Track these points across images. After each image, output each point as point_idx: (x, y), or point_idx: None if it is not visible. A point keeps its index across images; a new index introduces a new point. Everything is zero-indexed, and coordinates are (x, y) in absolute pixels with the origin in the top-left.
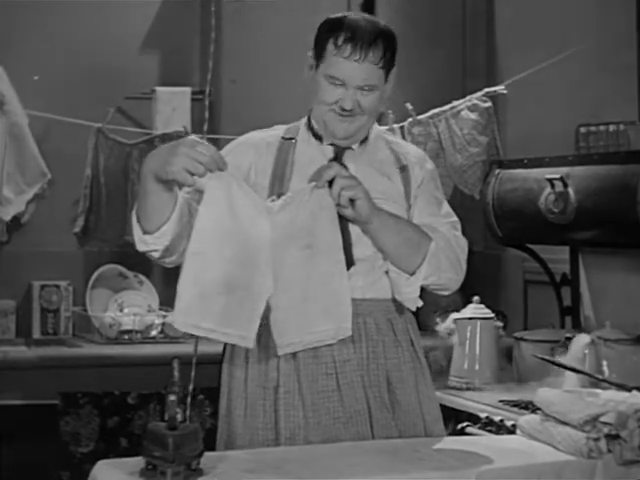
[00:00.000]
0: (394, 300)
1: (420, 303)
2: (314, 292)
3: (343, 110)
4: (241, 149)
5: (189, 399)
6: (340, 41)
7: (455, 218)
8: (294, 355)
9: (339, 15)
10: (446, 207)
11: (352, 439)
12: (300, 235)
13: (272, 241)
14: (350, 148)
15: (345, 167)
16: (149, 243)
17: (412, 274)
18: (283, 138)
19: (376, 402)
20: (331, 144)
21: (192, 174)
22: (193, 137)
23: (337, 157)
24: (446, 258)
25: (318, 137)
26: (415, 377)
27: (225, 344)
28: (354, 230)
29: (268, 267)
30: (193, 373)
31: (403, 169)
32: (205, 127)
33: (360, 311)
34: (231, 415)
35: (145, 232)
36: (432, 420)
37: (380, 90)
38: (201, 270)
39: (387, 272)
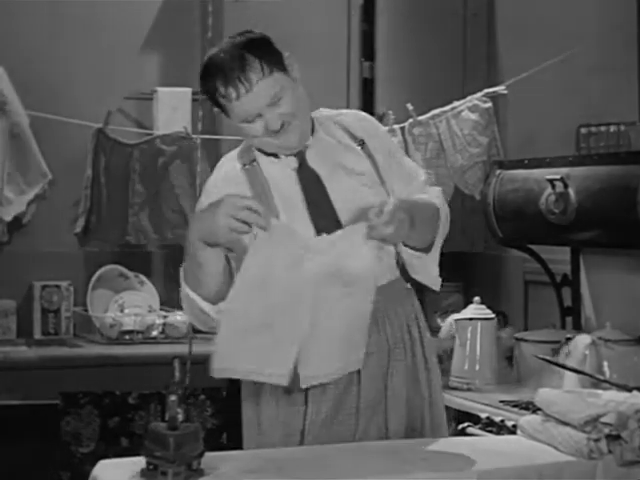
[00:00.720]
0: (403, 290)
1: (439, 281)
2: (343, 328)
3: (275, 132)
4: (222, 186)
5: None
6: (222, 91)
7: (422, 171)
8: None
9: (202, 64)
10: (409, 163)
11: (366, 429)
12: (340, 274)
13: (313, 277)
14: (306, 147)
15: (312, 171)
16: (212, 317)
17: (428, 251)
18: (243, 165)
19: (394, 394)
20: (288, 155)
21: (239, 232)
22: (231, 194)
23: (302, 163)
24: (445, 222)
25: (273, 154)
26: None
27: None
28: (346, 216)
29: (307, 308)
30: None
31: (362, 144)
32: (214, 126)
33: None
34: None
35: (204, 299)
36: (437, 424)
37: (289, 88)
38: (241, 315)
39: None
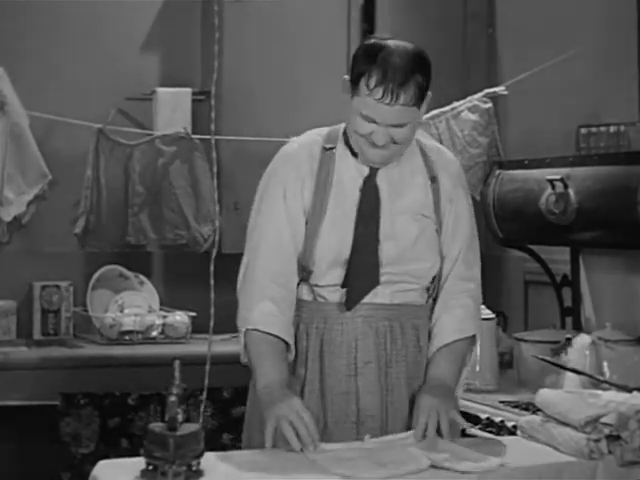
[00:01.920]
0: (422, 306)
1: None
2: None
3: (375, 145)
4: (291, 167)
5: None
6: (372, 83)
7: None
8: (320, 355)
9: (376, 43)
10: (473, 233)
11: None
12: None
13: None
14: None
15: (376, 188)
16: None
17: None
18: (324, 148)
19: (393, 407)
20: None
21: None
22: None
23: (371, 176)
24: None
25: (354, 153)
26: None
27: None
28: (388, 247)
29: None
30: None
31: (434, 180)
32: (212, 127)
33: (387, 315)
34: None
35: None
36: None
37: (413, 122)
38: None
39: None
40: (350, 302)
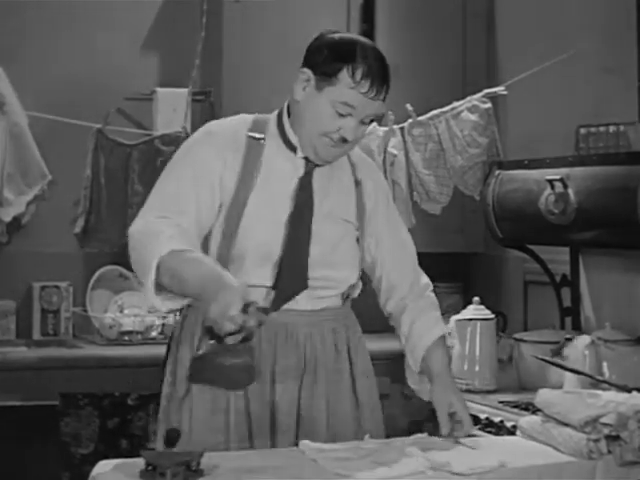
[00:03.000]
0: (340, 308)
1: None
2: None
3: (343, 140)
4: (213, 144)
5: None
6: (358, 75)
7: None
8: None
9: (346, 38)
10: (405, 231)
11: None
12: None
13: None
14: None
15: (311, 187)
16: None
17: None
18: (251, 137)
19: (309, 416)
20: (305, 157)
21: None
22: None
23: (307, 174)
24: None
25: (291, 147)
26: (352, 385)
27: None
28: (314, 251)
29: None
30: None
31: (357, 184)
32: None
33: (307, 322)
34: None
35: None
36: (375, 430)
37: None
38: None
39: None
40: (276, 304)
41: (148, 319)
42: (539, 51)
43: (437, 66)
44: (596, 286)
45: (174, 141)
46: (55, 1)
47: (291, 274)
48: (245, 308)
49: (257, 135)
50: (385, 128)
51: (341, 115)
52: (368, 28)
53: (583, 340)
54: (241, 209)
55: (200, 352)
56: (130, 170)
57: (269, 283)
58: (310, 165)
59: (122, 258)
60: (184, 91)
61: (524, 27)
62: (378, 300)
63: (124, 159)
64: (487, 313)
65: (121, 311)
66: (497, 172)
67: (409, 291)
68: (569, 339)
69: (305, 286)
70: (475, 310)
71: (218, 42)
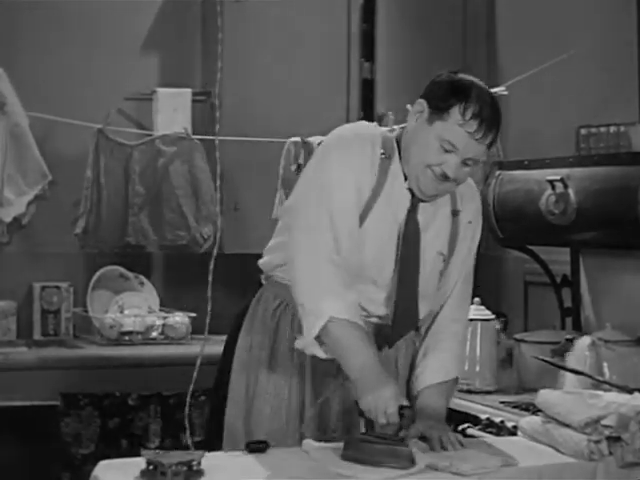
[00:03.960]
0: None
1: None
2: None
3: (444, 177)
4: (364, 155)
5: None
6: (468, 114)
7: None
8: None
9: (465, 79)
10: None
11: None
12: None
13: None
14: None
15: (417, 224)
16: None
17: None
18: (383, 155)
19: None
20: (409, 189)
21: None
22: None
23: (413, 208)
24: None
25: (404, 175)
26: None
27: None
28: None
29: None
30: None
31: (455, 213)
32: (217, 128)
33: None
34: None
35: None
36: None
37: (481, 163)
38: None
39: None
40: (394, 338)
41: (148, 319)
42: (539, 51)
43: (437, 66)
44: (596, 286)
45: (175, 141)
46: (56, 2)
47: (405, 310)
48: (400, 410)
49: (387, 155)
50: (385, 128)
51: (445, 151)
52: (368, 28)
53: (583, 341)
54: (361, 220)
55: (361, 431)
56: (131, 170)
57: (381, 312)
58: (415, 199)
59: (122, 258)
60: (184, 91)
61: (524, 27)
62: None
63: (125, 159)
64: (487, 314)
65: (121, 311)
66: (497, 172)
67: (438, 325)
68: (570, 340)
69: (417, 319)
70: (475, 310)
71: (218, 42)
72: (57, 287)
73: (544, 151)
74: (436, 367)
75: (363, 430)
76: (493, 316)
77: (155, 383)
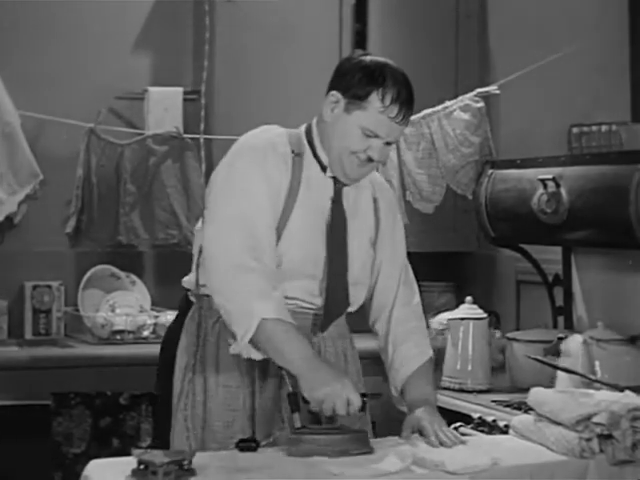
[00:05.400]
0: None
1: None
2: None
3: (369, 160)
4: (274, 160)
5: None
6: (388, 100)
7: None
8: None
9: (376, 62)
10: (403, 252)
11: None
12: None
13: None
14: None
15: (343, 208)
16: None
17: None
18: (293, 152)
19: None
20: (332, 177)
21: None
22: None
23: (337, 194)
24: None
25: (322, 166)
26: None
27: None
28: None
29: None
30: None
31: (375, 200)
32: (202, 127)
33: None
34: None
35: None
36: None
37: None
38: None
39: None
40: (324, 325)
41: (140, 318)
42: (532, 50)
43: (429, 65)
44: (588, 285)
45: (166, 140)
46: (47, 1)
47: (337, 295)
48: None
49: (296, 150)
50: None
51: (368, 136)
52: (361, 28)
53: (576, 339)
54: (283, 221)
55: (299, 425)
56: (122, 169)
57: (319, 303)
58: (338, 185)
59: (114, 257)
60: (176, 90)
61: (516, 27)
62: (367, 318)
63: (116, 158)
64: (480, 312)
65: (113, 310)
66: (490, 171)
67: (398, 314)
68: (561, 338)
69: (347, 305)
70: (468, 309)
71: (210, 41)
72: (48, 286)
73: (536, 150)
74: (412, 354)
75: (298, 424)
76: (485, 315)
77: (147, 382)
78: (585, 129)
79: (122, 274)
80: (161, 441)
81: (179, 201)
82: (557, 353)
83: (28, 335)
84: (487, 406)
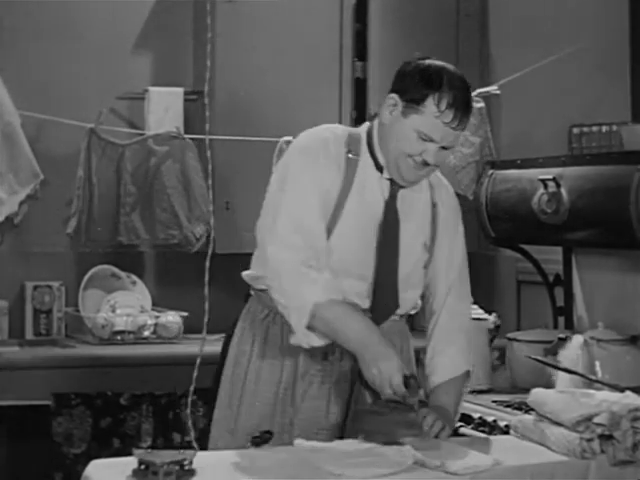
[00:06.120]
0: (399, 320)
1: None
2: None
3: (425, 164)
4: (326, 160)
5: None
6: (443, 105)
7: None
8: None
9: (434, 66)
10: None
11: None
12: None
13: None
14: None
15: (396, 211)
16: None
17: None
18: (348, 154)
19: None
20: (389, 179)
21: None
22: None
23: (392, 197)
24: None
25: (379, 167)
26: None
27: None
28: (401, 273)
29: None
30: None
31: (434, 205)
32: (207, 127)
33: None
34: None
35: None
36: None
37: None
38: None
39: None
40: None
41: (140, 319)
42: (532, 51)
43: None
44: (589, 286)
45: (167, 141)
46: (48, 1)
47: (385, 297)
48: (405, 380)
49: (352, 154)
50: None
51: (424, 140)
52: (361, 28)
53: (576, 340)
54: (334, 219)
55: (362, 406)
56: (122, 170)
57: (366, 305)
58: (395, 187)
59: (114, 258)
60: (176, 90)
61: (517, 27)
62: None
63: (116, 159)
64: (480, 313)
65: (113, 311)
66: (490, 172)
67: (442, 323)
68: (562, 339)
69: (396, 307)
70: None
71: (210, 42)
72: (49, 286)
73: (537, 150)
74: (445, 364)
75: (369, 401)
76: (486, 315)
77: (147, 382)
78: (585, 129)
79: (123, 274)
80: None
81: (180, 201)
82: (558, 353)
83: (29, 335)
84: (487, 406)
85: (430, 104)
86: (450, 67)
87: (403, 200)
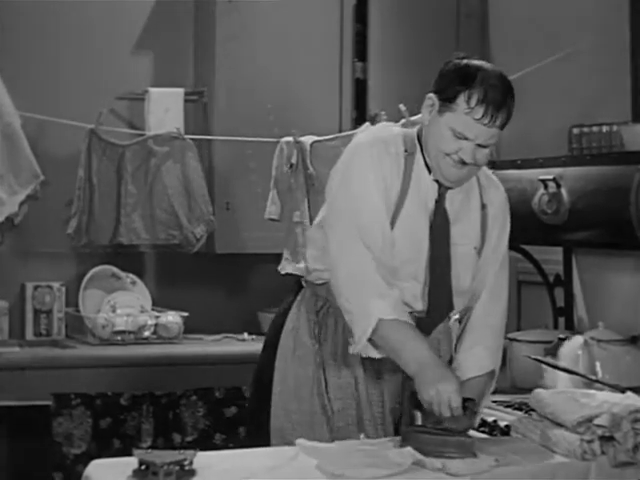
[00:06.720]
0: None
1: None
2: None
3: (462, 162)
4: (388, 160)
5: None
6: (473, 102)
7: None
8: None
9: (471, 64)
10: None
11: None
12: None
13: None
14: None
15: (446, 213)
16: None
17: None
18: (406, 152)
19: None
20: (436, 180)
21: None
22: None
23: (440, 198)
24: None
25: (428, 168)
26: None
27: None
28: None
29: None
30: None
31: (483, 207)
32: (208, 127)
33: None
34: None
35: None
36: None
37: (494, 144)
38: None
39: None
40: (428, 328)
41: (140, 319)
42: (532, 51)
43: (430, 66)
44: (589, 286)
45: (167, 141)
46: (48, 1)
47: (439, 298)
48: (463, 403)
49: (410, 152)
50: (401, 127)
51: (458, 138)
52: (361, 28)
53: (576, 340)
54: (392, 226)
55: (417, 423)
56: (123, 170)
57: (421, 307)
58: (442, 188)
59: (114, 258)
60: (177, 91)
61: (517, 27)
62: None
63: (117, 159)
64: None
65: (113, 311)
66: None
67: (473, 320)
68: (562, 339)
69: (451, 310)
70: None
71: (211, 42)
72: (49, 287)
73: (537, 151)
74: (469, 362)
75: (419, 422)
76: None
77: (147, 383)
78: (585, 129)
79: (123, 274)
80: (256, 427)
81: (180, 202)
82: (558, 353)
83: (29, 335)
84: (488, 406)
85: (461, 101)
86: (488, 66)
87: (452, 201)
